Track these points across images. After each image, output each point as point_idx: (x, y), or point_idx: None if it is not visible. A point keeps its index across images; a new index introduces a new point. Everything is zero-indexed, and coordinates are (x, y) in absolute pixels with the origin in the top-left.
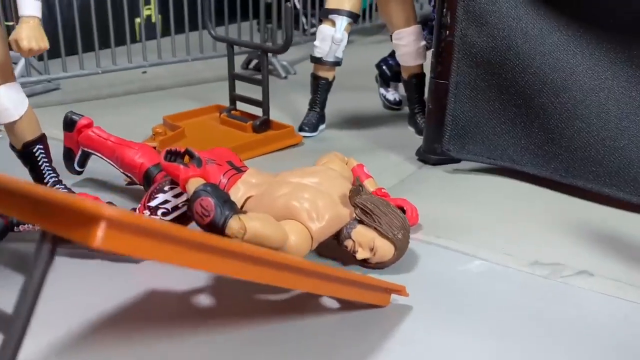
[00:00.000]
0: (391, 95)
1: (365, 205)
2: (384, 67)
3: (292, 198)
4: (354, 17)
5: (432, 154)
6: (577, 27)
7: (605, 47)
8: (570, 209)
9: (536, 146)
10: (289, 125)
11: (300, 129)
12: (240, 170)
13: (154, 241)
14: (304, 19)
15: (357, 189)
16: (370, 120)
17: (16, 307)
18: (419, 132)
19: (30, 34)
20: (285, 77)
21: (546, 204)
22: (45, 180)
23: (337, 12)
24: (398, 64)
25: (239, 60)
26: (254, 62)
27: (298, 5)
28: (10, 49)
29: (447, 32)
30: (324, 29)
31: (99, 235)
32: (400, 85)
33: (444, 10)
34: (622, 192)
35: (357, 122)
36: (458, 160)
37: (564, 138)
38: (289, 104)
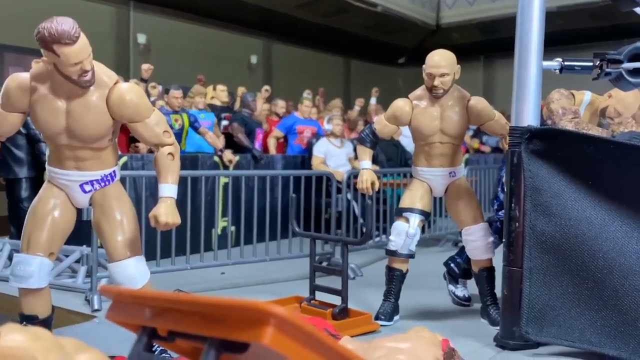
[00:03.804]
0: (460, 291)
1: None
2: (452, 265)
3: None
4: (425, 214)
5: (510, 339)
6: (636, 215)
7: None
8: None
9: (612, 327)
10: (367, 312)
11: (377, 318)
12: (336, 337)
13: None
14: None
15: (450, 352)
16: (443, 313)
17: None
18: (492, 323)
19: (167, 211)
20: (354, 278)
21: None
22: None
23: (410, 210)
24: (465, 262)
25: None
26: (324, 263)
27: (358, 217)
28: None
29: (517, 223)
30: (399, 225)
31: (269, 332)
32: (469, 282)
33: (512, 204)
34: None
35: (429, 314)
36: (536, 346)
37: (638, 318)
38: (360, 298)
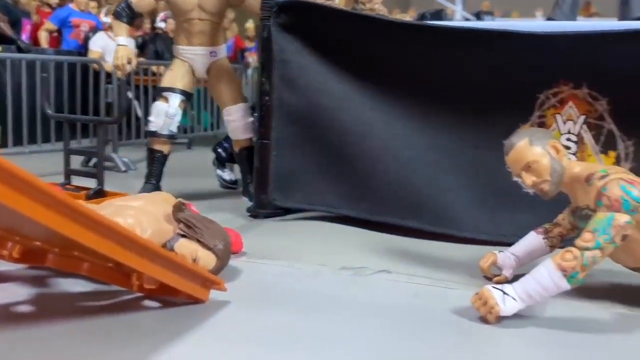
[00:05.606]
0: (227, 175)
1: (188, 220)
2: (219, 150)
3: (115, 215)
4: (186, 95)
5: (261, 209)
6: (371, 87)
7: (396, 104)
8: (376, 239)
9: (347, 191)
10: (125, 193)
11: None
12: None
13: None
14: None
15: (179, 206)
16: (208, 195)
17: None
18: (252, 199)
19: None
20: (126, 171)
21: (358, 235)
22: None
23: (170, 89)
24: (232, 146)
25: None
26: (93, 160)
27: (140, 114)
28: None
29: (267, 97)
30: (158, 105)
31: None
32: (236, 167)
33: (264, 79)
34: (420, 223)
35: (193, 197)
36: (285, 214)
37: (369, 181)
38: (126, 186)
